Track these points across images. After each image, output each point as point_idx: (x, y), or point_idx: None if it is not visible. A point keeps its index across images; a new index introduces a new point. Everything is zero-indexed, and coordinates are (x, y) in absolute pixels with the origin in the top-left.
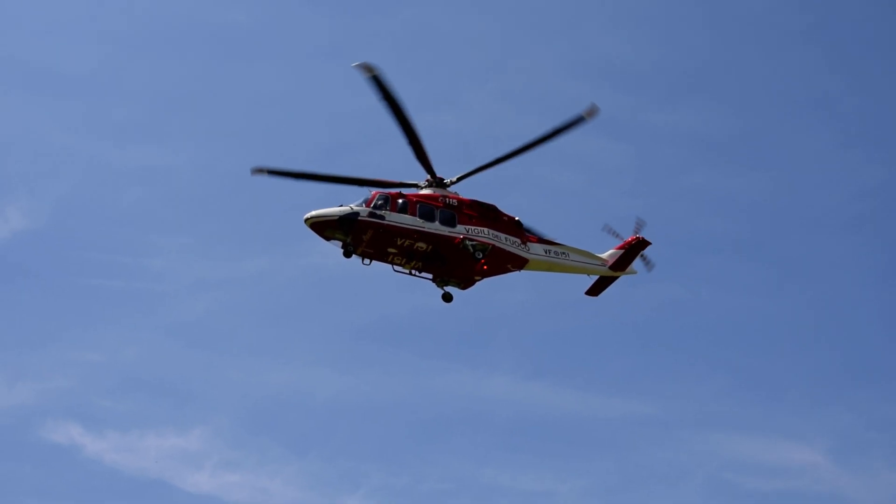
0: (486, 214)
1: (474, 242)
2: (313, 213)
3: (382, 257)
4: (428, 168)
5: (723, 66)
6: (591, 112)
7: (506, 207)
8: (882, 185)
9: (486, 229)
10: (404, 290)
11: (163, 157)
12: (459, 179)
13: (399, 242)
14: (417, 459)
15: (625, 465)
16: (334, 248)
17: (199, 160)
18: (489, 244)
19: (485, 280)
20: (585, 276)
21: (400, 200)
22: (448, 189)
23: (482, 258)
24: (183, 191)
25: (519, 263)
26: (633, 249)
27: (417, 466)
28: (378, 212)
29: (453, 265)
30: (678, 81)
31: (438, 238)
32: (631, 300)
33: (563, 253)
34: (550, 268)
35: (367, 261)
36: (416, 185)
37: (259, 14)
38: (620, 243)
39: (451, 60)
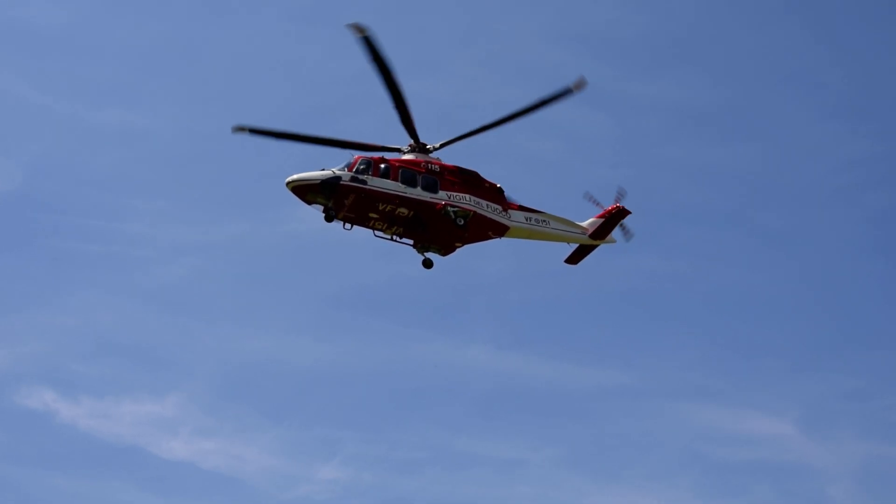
0: (468, 181)
1: (456, 209)
2: (295, 176)
3: (364, 222)
4: (412, 133)
5: (706, 36)
6: (579, 85)
7: (486, 175)
8: (865, 158)
9: (467, 196)
10: (382, 259)
11: (141, 118)
12: (443, 146)
13: (381, 207)
14: (393, 428)
15: (598, 434)
16: (313, 214)
17: (178, 122)
18: (471, 210)
19: (465, 247)
20: (565, 244)
21: (382, 165)
22: (430, 155)
23: (464, 224)
24: (161, 153)
25: (500, 230)
26: (614, 218)
27: (393, 434)
28: (360, 176)
29: (434, 231)
30: (661, 51)
31: (420, 204)
32: (609, 271)
33: (544, 221)
34: (531, 235)
35: (348, 225)
36: (398, 150)
37: None
38: (601, 212)
39: (431, 26)
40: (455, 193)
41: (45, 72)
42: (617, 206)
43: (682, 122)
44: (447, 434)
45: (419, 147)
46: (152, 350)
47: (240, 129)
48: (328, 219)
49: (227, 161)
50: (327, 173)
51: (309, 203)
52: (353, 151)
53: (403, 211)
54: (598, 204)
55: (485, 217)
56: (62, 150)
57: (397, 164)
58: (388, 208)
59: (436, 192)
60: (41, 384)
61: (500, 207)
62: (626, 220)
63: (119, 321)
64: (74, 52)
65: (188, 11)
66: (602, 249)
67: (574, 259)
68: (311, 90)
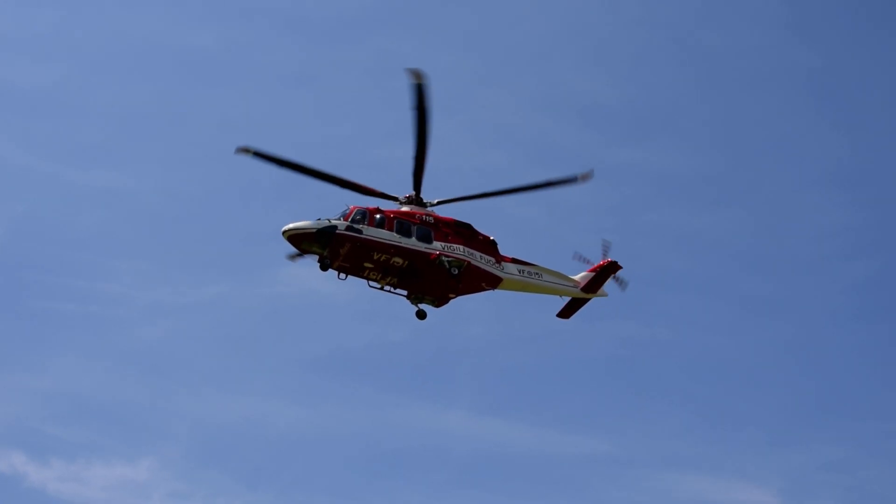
0: (462, 233)
1: (450, 259)
2: (290, 225)
3: (358, 272)
4: (417, 186)
5: (688, 104)
6: (586, 176)
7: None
8: (848, 227)
9: (461, 247)
10: (363, 322)
11: (125, 179)
12: (440, 203)
13: (375, 257)
14: (371, 494)
15: (581, 503)
16: (293, 276)
17: (161, 183)
18: (465, 261)
19: (457, 299)
20: (557, 298)
21: (377, 216)
22: (426, 208)
23: (458, 274)
24: (143, 214)
25: (493, 282)
26: (605, 272)
27: (371, 501)
28: (356, 226)
29: (428, 281)
30: (645, 119)
31: (414, 253)
32: (592, 337)
33: (537, 273)
34: (524, 288)
35: (342, 275)
36: (395, 199)
37: (227, 38)
38: (592, 266)
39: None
40: (449, 244)
41: (30, 132)
42: (608, 261)
43: (665, 189)
44: (427, 501)
45: (417, 200)
46: (127, 413)
47: (244, 150)
48: (323, 268)
49: (209, 222)
50: (323, 222)
51: (304, 252)
52: (351, 189)
53: (398, 260)
54: (587, 261)
55: (478, 268)
56: (45, 210)
57: (392, 215)
58: (383, 258)
59: (430, 242)
60: (11, 447)
61: (493, 259)
62: (620, 273)
63: (94, 383)
64: (59, 113)
65: (174, 75)
66: (588, 312)
67: (566, 313)
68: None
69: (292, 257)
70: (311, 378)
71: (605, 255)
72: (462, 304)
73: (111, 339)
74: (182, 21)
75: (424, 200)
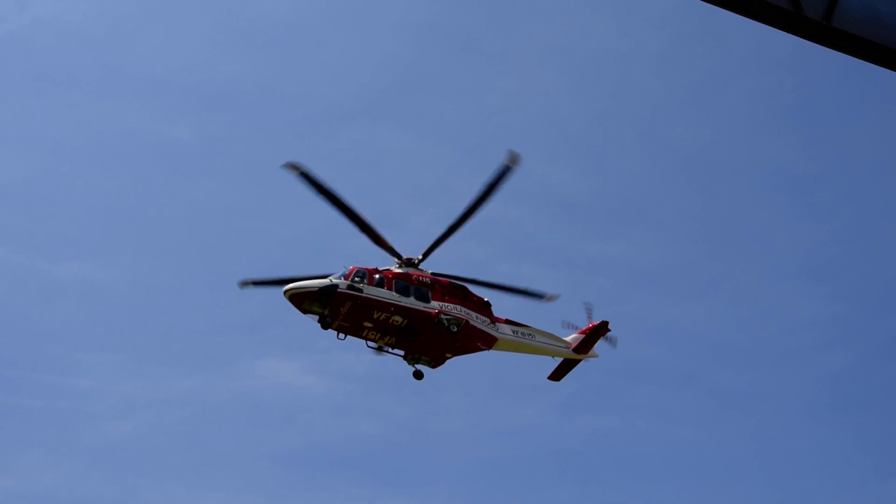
0: (458, 293)
1: (449, 317)
2: (292, 285)
3: (358, 332)
4: (391, 252)
5: (662, 196)
6: (514, 160)
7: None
8: (820, 319)
9: (458, 306)
10: (338, 415)
11: (96, 271)
12: (425, 256)
13: (375, 316)
14: None
15: None
16: (266, 370)
17: (133, 275)
18: (463, 319)
19: (446, 365)
20: (547, 362)
21: (377, 276)
22: (418, 267)
23: (457, 331)
24: (115, 306)
25: (489, 342)
26: (595, 332)
27: None
28: (356, 285)
29: (426, 341)
30: (617, 211)
31: (413, 312)
32: (569, 428)
33: (530, 334)
34: (517, 348)
35: (342, 335)
36: (389, 269)
37: (203, 131)
38: (582, 328)
39: (392, 182)
40: (446, 304)
41: (2, 224)
42: (599, 322)
43: (640, 281)
44: None
45: (406, 262)
46: None
47: (246, 283)
48: (324, 326)
49: (182, 315)
50: (324, 281)
51: (305, 312)
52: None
53: (397, 319)
54: (574, 327)
55: (475, 327)
56: (16, 303)
57: (391, 276)
58: (383, 316)
59: (428, 301)
60: None
61: (488, 320)
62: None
63: (61, 481)
64: (31, 205)
65: (147, 165)
66: (565, 402)
67: (557, 375)
68: (273, 242)
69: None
70: (283, 473)
71: (589, 317)
72: (438, 397)
73: (80, 434)
74: (158, 114)
75: (413, 259)
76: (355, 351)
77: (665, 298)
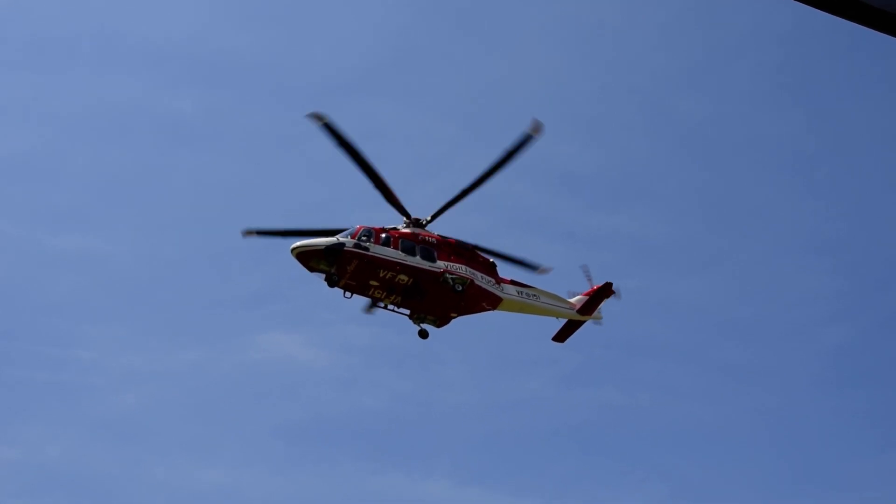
0: (464, 254)
1: (454, 276)
2: (299, 243)
3: (364, 290)
4: (401, 210)
5: (667, 171)
6: (537, 129)
7: None
8: (824, 293)
9: (464, 266)
10: (341, 388)
11: (98, 243)
12: (434, 217)
13: (381, 274)
14: None
15: None
16: (269, 343)
17: (136, 248)
18: (468, 278)
19: (453, 323)
20: (550, 329)
21: (383, 235)
22: (426, 228)
23: (461, 290)
24: (117, 279)
25: (494, 302)
26: (600, 294)
27: None
28: (363, 244)
29: (432, 300)
30: (622, 184)
31: (419, 271)
32: (571, 403)
33: (534, 295)
34: (522, 308)
35: (348, 294)
36: (396, 228)
37: (205, 104)
38: (588, 290)
39: (393, 156)
40: (452, 263)
41: (3, 197)
42: (603, 283)
43: (644, 255)
44: None
45: (413, 222)
46: (99, 483)
47: (249, 232)
48: (331, 284)
49: (185, 288)
50: (331, 240)
51: (312, 270)
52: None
53: (403, 278)
54: (590, 280)
55: (480, 287)
56: (18, 276)
57: (397, 235)
58: (389, 275)
59: (434, 261)
60: None
61: (493, 280)
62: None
63: (65, 452)
64: (33, 178)
65: (149, 138)
66: (569, 373)
67: (561, 336)
68: (276, 215)
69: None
70: (286, 446)
71: (589, 280)
72: (441, 370)
73: (83, 407)
74: (160, 86)
75: (420, 220)
76: (358, 324)
77: (667, 273)
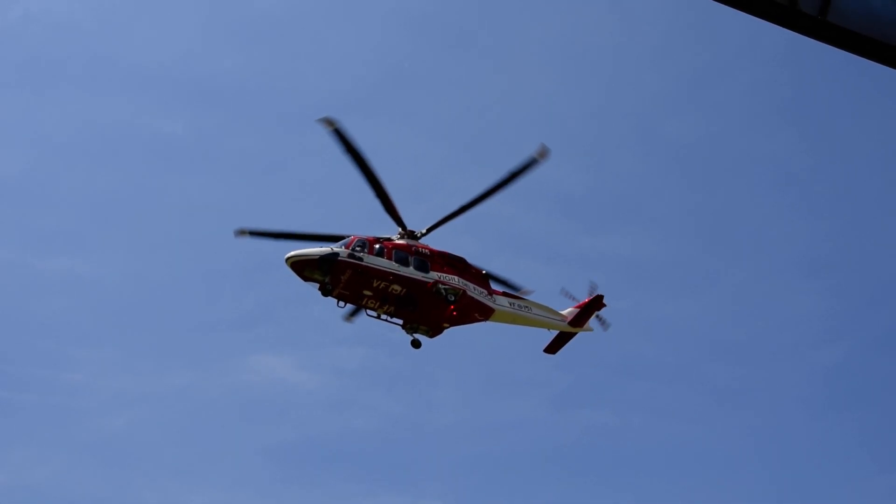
0: (456, 265)
1: (447, 287)
2: (293, 252)
3: (357, 300)
4: (398, 221)
5: (657, 193)
6: (543, 153)
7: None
8: (815, 314)
9: (456, 277)
10: (330, 410)
11: (89, 267)
12: (429, 231)
13: (375, 284)
14: None
15: None
16: (260, 365)
17: (125, 271)
18: (460, 288)
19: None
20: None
21: (377, 245)
22: (419, 240)
23: (454, 300)
24: (107, 302)
25: (486, 313)
26: (591, 306)
27: None
28: (357, 254)
29: (424, 310)
30: (613, 207)
31: (412, 281)
32: (563, 424)
33: (526, 307)
34: (514, 320)
35: (341, 303)
36: (389, 238)
37: (196, 126)
38: (579, 303)
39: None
40: (444, 274)
41: None
42: (594, 296)
43: (635, 277)
44: None
45: (408, 234)
46: None
47: (242, 232)
48: (325, 294)
49: (175, 310)
50: (325, 250)
51: (306, 280)
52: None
53: (396, 288)
54: (572, 298)
55: (472, 298)
56: (7, 298)
57: (391, 246)
58: (382, 285)
59: (427, 272)
60: None
61: (485, 291)
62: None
63: (54, 476)
64: (22, 201)
65: (140, 161)
66: (556, 391)
67: (553, 348)
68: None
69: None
70: (277, 469)
71: (571, 299)
72: (432, 392)
73: (72, 430)
74: (151, 108)
75: (415, 232)
76: (348, 346)
77: (660, 294)
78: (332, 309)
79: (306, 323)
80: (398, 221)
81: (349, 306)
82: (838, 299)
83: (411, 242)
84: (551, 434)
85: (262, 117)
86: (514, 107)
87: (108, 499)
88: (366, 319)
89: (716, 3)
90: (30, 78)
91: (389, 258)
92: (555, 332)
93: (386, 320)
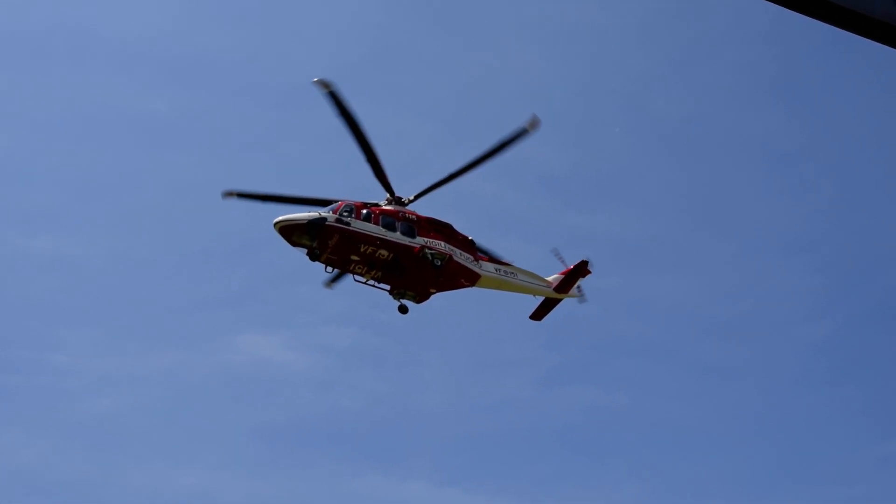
0: (442, 230)
1: (433, 251)
2: (281, 217)
3: (345, 265)
4: (387, 187)
5: (643, 170)
6: (533, 124)
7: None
8: (802, 290)
9: (442, 242)
10: (318, 390)
11: (73, 246)
12: (417, 197)
13: (362, 249)
14: None
15: None
16: (247, 344)
17: (110, 250)
18: (447, 253)
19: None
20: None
21: (364, 210)
22: (406, 206)
23: (440, 265)
24: (93, 282)
25: (472, 278)
26: (575, 272)
27: None
28: (344, 219)
29: (412, 275)
30: (598, 184)
31: (399, 246)
32: (551, 403)
33: (512, 273)
34: (500, 285)
35: (329, 268)
36: (377, 203)
37: (180, 105)
38: (565, 269)
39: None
40: (431, 239)
41: None
42: (579, 262)
43: (622, 255)
44: None
45: (395, 200)
46: (75, 488)
47: (229, 193)
48: (313, 258)
49: (161, 290)
50: (313, 214)
51: (294, 244)
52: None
53: (383, 253)
54: (562, 261)
55: (459, 263)
56: None
57: (378, 211)
58: (370, 250)
59: (413, 237)
60: None
61: (471, 257)
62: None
63: (41, 457)
64: (5, 179)
65: (123, 139)
66: (543, 370)
67: (538, 314)
68: (247, 219)
69: (328, 285)
70: (264, 449)
71: (562, 262)
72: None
73: (58, 411)
74: (134, 86)
75: (403, 198)
76: (336, 325)
77: (647, 272)
78: (320, 289)
79: (294, 302)
80: (387, 187)
81: (330, 273)
82: (826, 275)
83: (398, 208)
84: (539, 413)
85: (246, 95)
86: (499, 84)
87: (95, 480)
88: (348, 289)
89: None
90: (10, 55)
91: (377, 223)
92: (540, 299)
93: (373, 286)
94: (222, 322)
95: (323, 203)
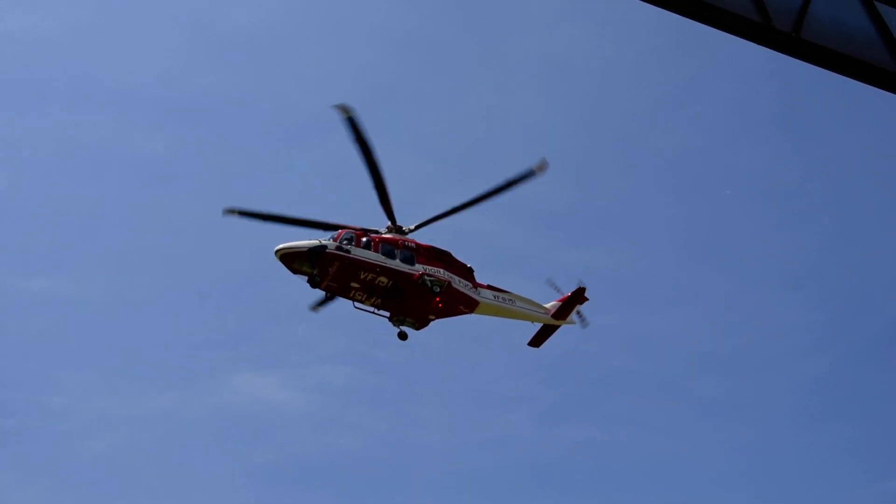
0: (441, 258)
1: (432, 278)
2: (283, 245)
3: (345, 292)
4: (390, 215)
5: (640, 207)
6: (542, 167)
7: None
8: (801, 325)
9: (442, 269)
10: (316, 430)
11: (69, 286)
12: (418, 227)
13: (362, 276)
14: None
15: None
16: (243, 385)
17: (107, 291)
18: (446, 280)
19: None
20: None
21: (364, 238)
22: (406, 235)
23: (440, 291)
24: (89, 323)
25: (471, 305)
26: (573, 299)
27: None
28: (345, 246)
29: (411, 302)
30: (595, 221)
31: (399, 273)
32: (549, 439)
33: (510, 300)
34: (498, 312)
35: (329, 295)
36: (377, 231)
37: (177, 145)
38: (562, 296)
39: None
40: (430, 266)
41: None
42: (576, 288)
43: (619, 291)
44: None
45: (396, 228)
46: None
47: (231, 211)
48: (313, 286)
49: (157, 331)
50: (314, 242)
51: (294, 272)
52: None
53: (383, 280)
54: (558, 290)
55: (458, 290)
56: None
57: (378, 239)
58: (369, 277)
59: (413, 264)
60: None
61: (470, 284)
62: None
63: (35, 500)
64: (2, 220)
65: (120, 179)
66: (541, 407)
67: (536, 341)
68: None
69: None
70: (261, 489)
71: (558, 291)
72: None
73: (54, 453)
74: (132, 127)
75: (403, 227)
76: (333, 364)
77: (645, 308)
78: (317, 328)
79: (290, 341)
80: (390, 215)
81: (317, 297)
82: (823, 311)
83: (398, 236)
84: (537, 450)
85: (244, 136)
86: (498, 121)
87: None
88: (343, 326)
89: (694, 21)
90: (9, 96)
91: (377, 251)
92: (538, 325)
93: (373, 312)
94: (219, 362)
95: (324, 225)
